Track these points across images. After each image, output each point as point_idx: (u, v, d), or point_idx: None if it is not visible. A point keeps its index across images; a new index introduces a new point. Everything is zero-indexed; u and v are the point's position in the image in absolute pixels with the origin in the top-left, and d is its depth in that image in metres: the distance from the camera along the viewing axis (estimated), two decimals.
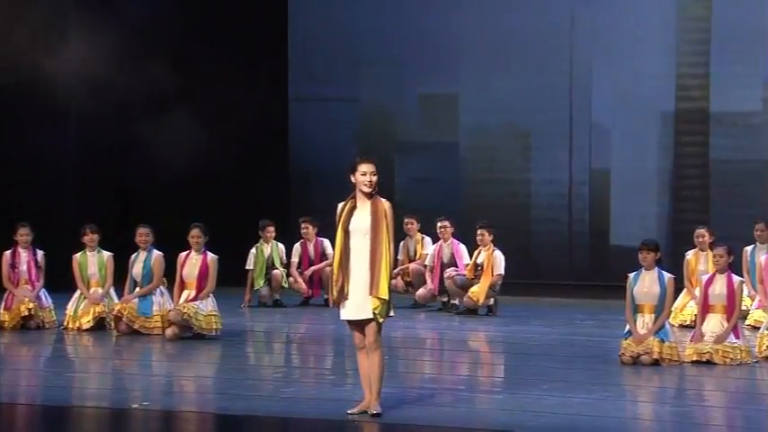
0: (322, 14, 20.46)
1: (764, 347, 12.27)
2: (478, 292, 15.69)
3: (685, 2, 19.13)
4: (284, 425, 9.64)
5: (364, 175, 9.37)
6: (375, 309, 9.29)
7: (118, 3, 19.73)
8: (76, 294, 14.41)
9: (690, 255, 15.01)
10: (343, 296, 9.34)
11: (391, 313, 9.44)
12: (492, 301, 15.87)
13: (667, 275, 12.04)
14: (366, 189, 9.37)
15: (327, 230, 16.60)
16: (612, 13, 19.32)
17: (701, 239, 14.95)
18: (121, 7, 19.70)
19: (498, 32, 19.65)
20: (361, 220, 9.35)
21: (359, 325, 9.43)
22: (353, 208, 9.41)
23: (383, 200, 9.42)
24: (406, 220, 16.52)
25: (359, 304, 9.33)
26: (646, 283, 12.00)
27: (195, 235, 13.71)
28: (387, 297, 9.32)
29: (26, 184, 18.15)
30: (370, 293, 9.28)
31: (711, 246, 14.41)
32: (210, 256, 13.69)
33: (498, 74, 19.67)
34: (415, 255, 16.80)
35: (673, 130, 19.15)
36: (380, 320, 9.37)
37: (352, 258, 9.34)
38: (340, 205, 9.47)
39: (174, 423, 9.87)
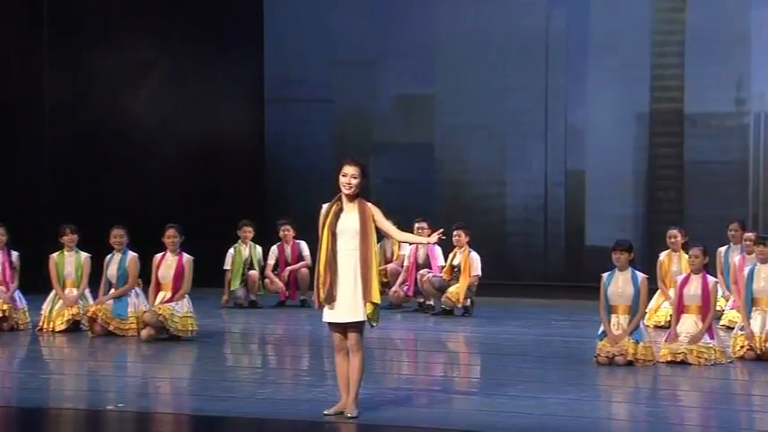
0: (297, 16, 20.45)
1: (738, 347, 12.35)
2: (457, 292, 15.73)
3: (660, 3, 19.21)
4: (261, 426, 9.63)
5: (345, 176, 9.39)
6: (369, 314, 9.30)
7: (93, 5, 19.72)
8: (51, 295, 14.36)
9: (663, 256, 15.07)
10: (331, 297, 9.34)
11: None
12: (468, 301, 15.91)
13: (641, 275, 12.09)
14: (345, 190, 9.38)
15: (303, 232, 16.67)
16: (587, 15, 19.38)
17: (673, 240, 15.01)
18: (97, 9, 19.69)
19: (473, 34, 19.69)
20: (349, 222, 9.35)
21: (341, 327, 9.43)
22: (340, 210, 9.41)
23: (368, 203, 9.43)
24: None
25: (346, 307, 9.32)
26: (619, 284, 12.05)
27: (171, 235, 13.69)
28: (379, 301, 9.37)
29: (1, 183, 18.09)
30: (364, 298, 9.28)
31: (684, 246, 14.49)
32: (186, 257, 13.67)
33: (473, 75, 19.70)
34: (392, 256, 16.82)
35: (647, 131, 19.22)
36: (374, 325, 9.39)
37: (339, 260, 9.34)
38: (325, 206, 9.46)
39: (149, 425, 9.85)
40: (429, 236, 15.87)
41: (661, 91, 19.17)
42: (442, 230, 9.78)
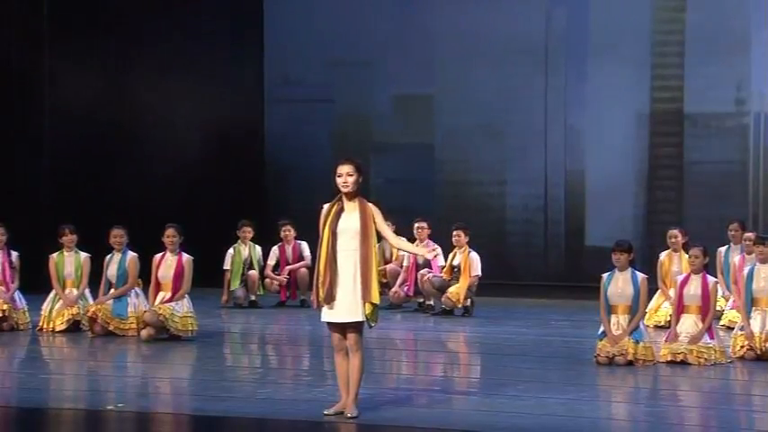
0: (297, 16, 20.45)
1: (738, 347, 12.35)
2: (457, 292, 15.73)
3: (660, 3, 19.21)
4: (261, 426, 9.63)
5: (340, 176, 9.41)
6: (368, 314, 9.30)
7: (94, 4, 19.72)
8: (51, 295, 14.35)
9: (663, 256, 15.07)
10: (331, 297, 9.34)
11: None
12: (468, 301, 15.91)
13: (640, 276, 12.09)
14: (343, 189, 9.40)
15: (304, 232, 16.66)
16: (587, 15, 19.37)
17: (673, 240, 15.02)
18: (96, 9, 19.69)
19: (473, 33, 19.68)
20: (350, 221, 9.35)
21: (340, 327, 9.43)
22: (341, 210, 9.41)
23: (369, 203, 9.45)
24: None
25: (345, 307, 9.32)
26: (619, 284, 12.05)
27: (170, 235, 13.69)
28: (379, 302, 9.37)
29: (1, 183, 18.08)
30: (363, 298, 9.29)
31: (684, 246, 14.50)
32: (186, 256, 13.67)
33: (473, 75, 19.70)
34: (392, 256, 16.82)
35: (647, 131, 19.22)
36: (372, 325, 9.39)
37: (339, 260, 9.34)
38: (326, 206, 9.47)
39: (149, 425, 9.85)
40: (427, 235, 16.15)
41: (661, 91, 19.17)
42: (428, 271, 10.11)
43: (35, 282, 15.17)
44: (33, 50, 18.71)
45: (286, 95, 20.67)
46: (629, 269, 12.10)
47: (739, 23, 18.69)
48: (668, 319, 13.80)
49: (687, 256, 13.02)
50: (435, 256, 15.36)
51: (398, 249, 16.23)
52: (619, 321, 11.99)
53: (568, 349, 13.27)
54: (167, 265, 13.63)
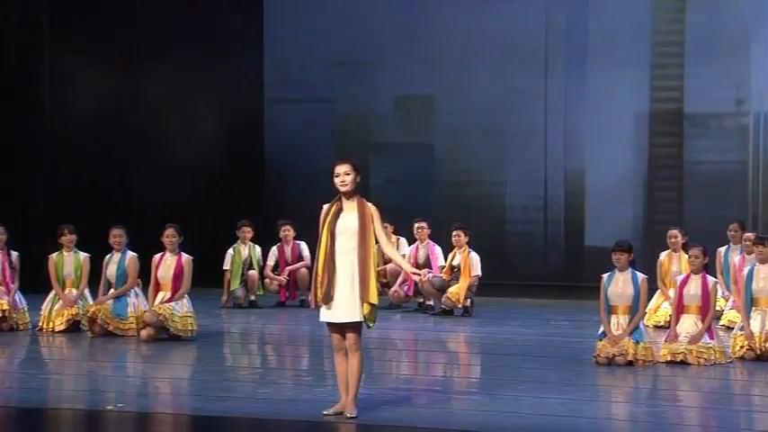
0: (298, 16, 20.46)
1: (738, 347, 12.35)
2: (457, 292, 15.74)
3: (660, 3, 19.22)
4: (261, 426, 9.63)
5: (337, 176, 9.43)
6: (366, 314, 9.30)
7: (94, 5, 19.74)
8: (51, 295, 14.35)
9: (663, 256, 15.07)
10: (329, 297, 9.34)
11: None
12: (468, 301, 15.92)
13: (640, 276, 12.09)
14: (341, 188, 9.41)
15: (303, 232, 16.66)
16: (587, 15, 19.39)
17: (673, 240, 15.02)
18: (97, 8, 19.71)
19: (473, 34, 19.69)
20: (348, 221, 9.36)
21: (339, 327, 9.43)
22: (340, 210, 9.42)
23: (368, 203, 9.45)
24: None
25: (344, 307, 9.32)
26: (619, 285, 12.05)
27: (170, 235, 13.69)
28: (377, 302, 9.37)
29: (1, 183, 18.08)
30: (361, 299, 9.29)
31: (684, 246, 14.50)
32: (185, 256, 13.67)
33: (473, 75, 19.71)
34: None
35: (648, 131, 19.23)
36: (370, 326, 9.39)
37: (337, 260, 9.35)
38: (325, 207, 9.48)
39: (149, 425, 9.85)
40: (427, 235, 16.15)
41: (661, 91, 19.18)
42: (428, 271, 10.73)
43: (35, 282, 15.17)
44: (33, 50, 18.71)
45: (286, 95, 20.67)
46: (629, 269, 12.10)
47: (739, 23, 18.70)
48: (668, 319, 13.80)
49: (687, 256, 13.02)
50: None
51: (398, 244, 16.31)
52: (619, 321, 11.99)
53: (568, 349, 13.27)
54: (167, 265, 13.62)
